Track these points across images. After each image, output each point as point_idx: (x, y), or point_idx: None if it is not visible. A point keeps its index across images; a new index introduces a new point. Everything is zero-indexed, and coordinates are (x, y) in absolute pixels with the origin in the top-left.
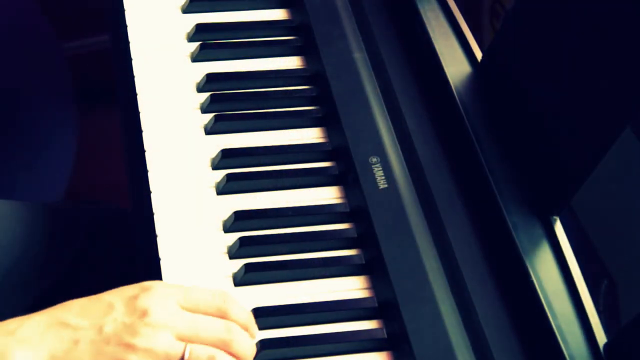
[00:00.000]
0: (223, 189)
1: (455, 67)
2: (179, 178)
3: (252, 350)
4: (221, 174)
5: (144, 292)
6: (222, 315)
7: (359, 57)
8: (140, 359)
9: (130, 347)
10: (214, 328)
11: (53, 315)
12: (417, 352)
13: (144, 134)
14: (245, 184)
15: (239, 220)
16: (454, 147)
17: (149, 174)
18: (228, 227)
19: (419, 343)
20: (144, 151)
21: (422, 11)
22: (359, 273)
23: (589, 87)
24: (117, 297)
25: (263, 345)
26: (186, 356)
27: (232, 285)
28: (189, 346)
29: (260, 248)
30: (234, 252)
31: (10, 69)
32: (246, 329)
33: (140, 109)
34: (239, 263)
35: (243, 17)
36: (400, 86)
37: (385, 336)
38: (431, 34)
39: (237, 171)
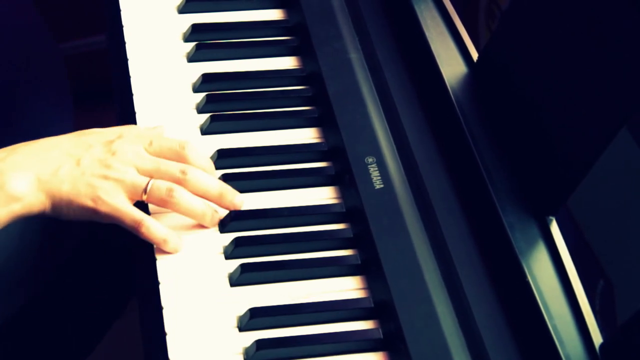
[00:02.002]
0: None
1: (451, 67)
2: None
3: (211, 187)
4: (217, 174)
5: (119, 138)
6: (181, 160)
7: (355, 58)
8: (110, 185)
9: (103, 176)
10: (171, 168)
11: (48, 144)
12: (413, 352)
13: None
14: (241, 185)
15: (234, 220)
16: (450, 147)
17: None
18: (224, 228)
19: (414, 343)
20: None
21: (418, 11)
22: (355, 273)
23: (585, 88)
24: (97, 140)
25: (259, 345)
26: (149, 187)
27: (229, 285)
28: (152, 180)
29: (256, 248)
30: (230, 253)
31: (7, 69)
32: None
33: (136, 109)
34: (235, 263)
35: (239, 18)
36: (396, 86)
37: (381, 336)
38: (427, 34)
39: (233, 171)
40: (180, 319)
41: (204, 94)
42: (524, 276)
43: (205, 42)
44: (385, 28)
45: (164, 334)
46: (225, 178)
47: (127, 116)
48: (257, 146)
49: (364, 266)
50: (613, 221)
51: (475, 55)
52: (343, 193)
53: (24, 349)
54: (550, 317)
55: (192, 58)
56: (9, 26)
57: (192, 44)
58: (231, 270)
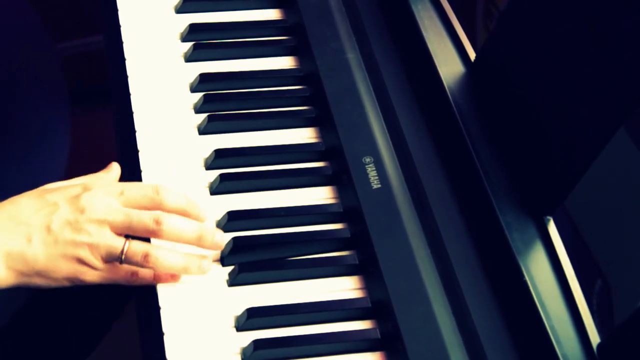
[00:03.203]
0: (216, 189)
1: (449, 67)
2: (172, 178)
3: (188, 232)
4: (215, 174)
5: (85, 191)
6: (157, 207)
7: (352, 57)
8: (86, 254)
9: (76, 243)
10: (144, 220)
11: (10, 211)
12: (410, 351)
13: (137, 134)
14: (238, 184)
15: (232, 220)
16: (447, 147)
17: (142, 174)
18: (222, 228)
19: (412, 343)
20: (137, 151)
21: (415, 11)
22: (352, 273)
23: (582, 88)
24: (61, 196)
25: (256, 345)
26: (125, 249)
27: (226, 285)
28: (127, 242)
29: (254, 248)
30: (227, 253)
31: (4, 69)
32: (184, 214)
33: (133, 109)
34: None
35: (236, 17)
36: (394, 86)
37: (379, 336)
38: (424, 34)
39: (231, 171)
40: (178, 319)
41: (201, 93)
42: (522, 276)
43: (202, 42)
44: (382, 28)
45: (161, 334)
46: (222, 178)
47: (124, 116)
48: (254, 146)
49: (361, 266)
50: (610, 221)
51: (472, 55)
52: (340, 193)
53: (24, 349)
54: (548, 317)
55: (190, 58)
56: (6, 26)
57: (189, 44)
58: (229, 270)
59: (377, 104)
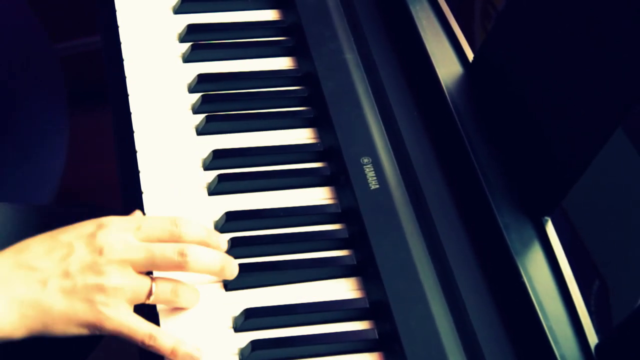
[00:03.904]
0: (214, 189)
1: (447, 67)
2: (170, 179)
3: (213, 263)
4: (213, 174)
5: (100, 229)
6: (177, 239)
7: (351, 58)
8: (111, 298)
9: (99, 287)
10: (168, 253)
11: (15, 259)
12: (408, 352)
13: (135, 135)
14: (236, 185)
15: (230, 220)
16: (445, 147)
17: (141, 175)
18: (220, 228)
19: (410, 343)
20: (135, 152)
21: (413, 12)
22: (350, 274)
23: (581, 88)
24: (75, 236)
25: (254, 346)
26: (153, 293)
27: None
28: (155, 282)
29: (252, 248)
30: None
31: (3, 70)
32: (206, 244)
33: (131, 109)
34: None
35: (234, 18)
36: (392, 87)
37: (377, 337)
38: (423, 35)
39: (229, 172)
40: (176, 320)
41: (199, 94)
42: (520, 276)
43: (200, 42)
44: (380, 28)
45: None
46: (220, 179)
47: (122, 117)
48: (252, 146)
49: (359, 267)
50: (609, 222)
51: (470, 55)
52: (338, 193)
53: (24, 349)
54: (546, 318)
55: (188, 58)
56: (4, 26)
57: (187, 45)
58: None
59: (375, 104)
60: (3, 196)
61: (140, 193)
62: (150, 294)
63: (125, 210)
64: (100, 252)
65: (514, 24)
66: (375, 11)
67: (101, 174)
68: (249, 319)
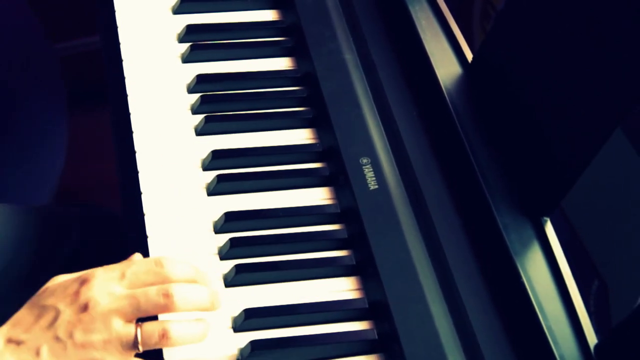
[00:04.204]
0: (214, 190)
1: (446, 68)
2: (169, 179)
3: (201, 299)
4: (212, 174)
5: (83, 285)
6: (163, 280)
7: (350, 58)
8: (101, 352)
9: (88, 344)
10: (152, 297)
11: (5, 334)
12: (407, 352)
13: (134, 135)
14: (235, 185)
15: (229, 221)
16: (444, 148)
17: (140, 175)
18: (219, 228)
19: (409, 344)
20: (134, 152)
21: (412, 12)
22: (349, 274)
23: (579, 88)
24: (59, 298)
25: (254, 346)
26: (139, 336)
27: (223, 286)
28: (139, 327)
29: (251, 249)
30: (225, 253)
31: (2, 70)
32: (194, 282)
33: (130, 110)
34: (230, 264)
35: (234, 18)
36: (391, 87)
37: (376, 337)
38: (422, 35)
39: (228, 172)
40: (175, 318)
41: (198, 94)
42: (519, 277)
43: (199, 42)
44: (379, 29)
45: None
46: (219, 179)
47: (121, 117)
48: (251, 147)
49: (358, 267)
50: (607, 222)
51: (469, 56)
52: (338, 194)
53: None
54: (545, 318)
55: (187, 59)
56: (4, 26)
57: (186, 45)
58: (226, 271)
59: (374, 105)
60: (2, 196)
61: (140, 194)
62: (136, 342)
63: (125, 210)
64: (85, 308)
65: (513, 25)
66: (375, 11)
67: (101, 174)
68: (248, 319)
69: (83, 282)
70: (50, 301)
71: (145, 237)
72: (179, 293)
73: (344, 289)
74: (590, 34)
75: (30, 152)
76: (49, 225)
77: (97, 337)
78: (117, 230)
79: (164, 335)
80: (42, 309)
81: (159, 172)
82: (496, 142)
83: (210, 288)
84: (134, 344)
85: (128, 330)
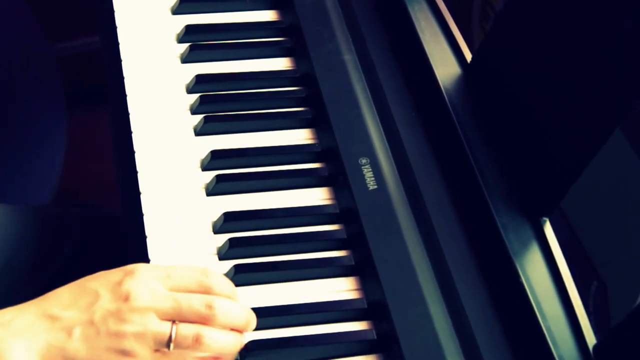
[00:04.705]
0: (213, 190)
1: (445, 68)
2: (168, 179)
3: (239, 318)
4: (211, 175)
5: (127, 276)
6: (206, 290)
7: (349, 59)
8: (132, 345)
9: (120, 334)
10: (195, 305)
11: (43, 308)
12: (406, 353)
13: (133, 135)
14: (234, 185)
15: (228, 221)
16: (443, 148)
17: (139, 175)
18: (218, 228)
19: (408, 344)
20: (133, 152)
21: (411, 12)
22: (348, 274)
23: (579, 89)
24: (102, 284)
25: (252, 346)
26: (173, 337)
27: None
28: (175, 326)
29: (250, 249)
30: (224, 254)
31: (1, 70)
32: (230, 299)
33: (130, 110)
34: (229, 264)
35: (233, 19)
36: (390, 87)
37: (375, 337)
38: (421, 36)
39: (227, 172)
40: None
41: (197, 94)
42: (518, 277)
43: (199, 43)
44: (379, 29)
45: None
46: (218, 179)
47: (120, 117)
48: (250, 147)
49: (357, 267)
50: (607, 222)
51: (468, 56)
52: (337, 194)
53: None
54: (544, 318)
55: (186, 59)
56: (3, 26)
57: (185, 45)
58: (225, 271)
59: (373, 105)
60: (2, 196)
61: (139, 194)
62: (170, 338)
63: (124, 210)
64: (126, 299)
65: (512, 25)
66: (374, 12)
67: (100, 174)
68: None
69: (128, 273)
70: (92, 284)
71: (145, 237)
72: (222, 307)
73: (343, 289)
74: (590, 33)
75: (30, 152)
76: (48, 225)
77: (131, 328)
78: (116, 230)
79: (197, 340)
80: (83, 290)
81: (158, 172)
82: (495, 142)
83: (248, 309)
84: (167, 342)
85: (164, 327)
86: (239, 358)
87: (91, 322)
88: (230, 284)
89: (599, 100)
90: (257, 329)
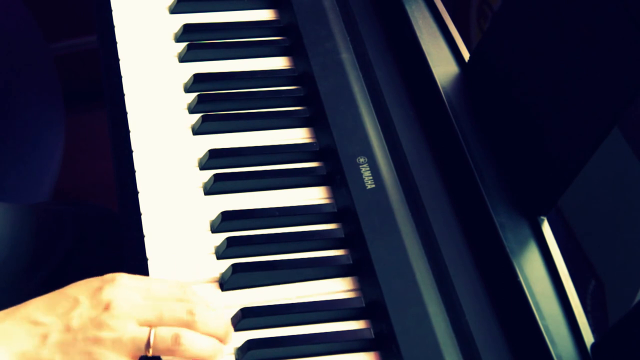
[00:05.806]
0: (210, 189)
1: (443, 67)
2: (166, 178)
3: (219, 326)
4: (209, 174)
5: (108, 284)
6: (186, 302)
7: (347, 58)
8: (109, 351)
9: (97, 340)
10: (176, 310)
11: (22, 313)
12: (404, 352)
13: (131, 135)
14: (232, 184)
15: (226, 220)
16: (441, 147)
17: (137, 174)
18: (215, 228)
19: (406, 343)
20: (131, 151)
21: (409, 11)
22: (346, 273)
23: (576, 87)
24: (81, 291)
25: (250, 345)
26: (151, 340)
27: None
28: (154, 329)
29: (248, 248)
30: (222, 253)
31: None
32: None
33: (127, 109)
34: (227, 263)
35: (231, 18)
36: (388, 86)
37: (373, 336)
38: (418, 35)
39: (225, 171)
40: None
41: (195, 94)
42: (516, 276)
43: (196, 42)
44: (376, 28)
45: None
46: (216, 178)
47: (118, 116)
48: (248, 146)
49: (355, 266)
50: (604, 221)
51: (466, 55)
52: (334, 193)
53: None
54: (542, 317)
55: (184, 58)
56: (0, 26)
57: (183, 44)
58: (223, 271)
59: (371, 104)
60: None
61: (136, 193)
62: (149, 342)
63: (122, 210)
64: (106, 307)
65: (510, 24)
66: (371, 10)
67: (97, 174)
68: (245, 319)
69: (108, 281)
70: (72, 291)
71: (142, 236)
72: (202, 314)
73: (340, 288)
74: (587, 33)
75: (26, 152)
76: (45, 223)
77: (108, 335)
78: (113, 228)
79: (176, 341)
80: (63, 297)
81: (156, 171)
82: (493, 141)
83: (227, 321)
84: (146, 345)
85: (142, 331)
86: (237, 357)
87: (68, 328)
88: (207, 301)
89: (596, 99)
90: (254, 327)
